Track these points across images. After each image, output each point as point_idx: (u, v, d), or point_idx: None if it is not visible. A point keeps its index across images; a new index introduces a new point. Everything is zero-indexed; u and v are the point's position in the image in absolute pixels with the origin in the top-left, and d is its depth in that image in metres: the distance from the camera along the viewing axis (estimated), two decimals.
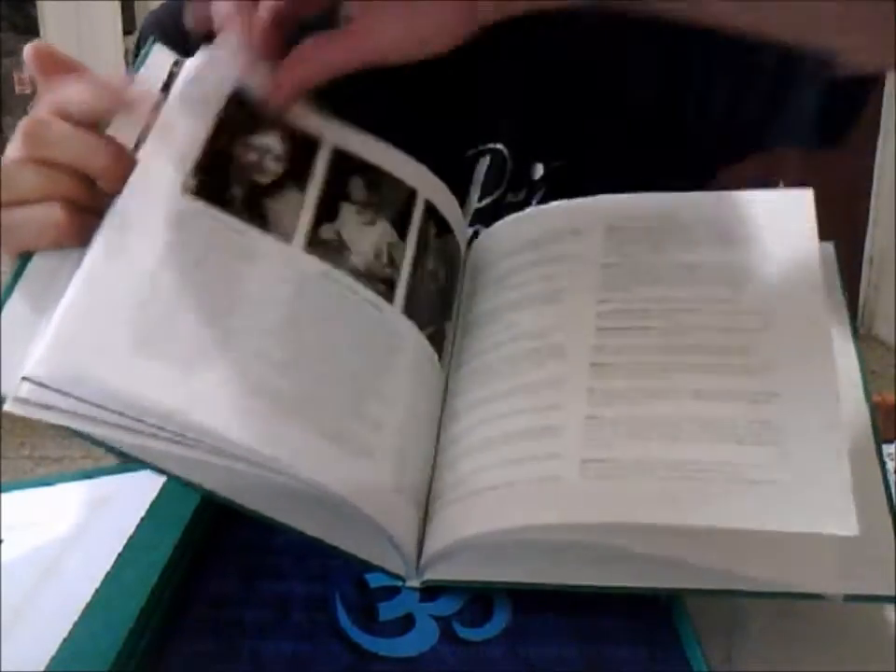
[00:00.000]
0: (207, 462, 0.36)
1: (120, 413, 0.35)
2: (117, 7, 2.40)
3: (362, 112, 0.48)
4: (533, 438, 0.40)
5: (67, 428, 0.36)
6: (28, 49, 0.41)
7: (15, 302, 0.37)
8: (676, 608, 0.40)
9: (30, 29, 2.50)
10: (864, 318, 2.71)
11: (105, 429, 0.36)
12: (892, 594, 0.37)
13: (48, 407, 0.35)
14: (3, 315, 0.37)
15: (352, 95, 0.49)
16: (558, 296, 0.46)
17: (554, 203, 0.51)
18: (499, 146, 0.62)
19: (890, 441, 0.55)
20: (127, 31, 2.43)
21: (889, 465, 0.52)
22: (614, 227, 0.47)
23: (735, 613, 0.42)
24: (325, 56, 0.44)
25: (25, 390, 0.34)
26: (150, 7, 0.68)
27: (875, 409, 0.41)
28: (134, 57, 0.64)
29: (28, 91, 2.69)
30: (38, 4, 2.41)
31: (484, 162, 0.62)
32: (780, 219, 0.44)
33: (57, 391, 0.34)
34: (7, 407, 0.34)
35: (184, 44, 0.60)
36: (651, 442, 0.38)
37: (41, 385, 0.34)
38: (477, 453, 0.41)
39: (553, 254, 0.48)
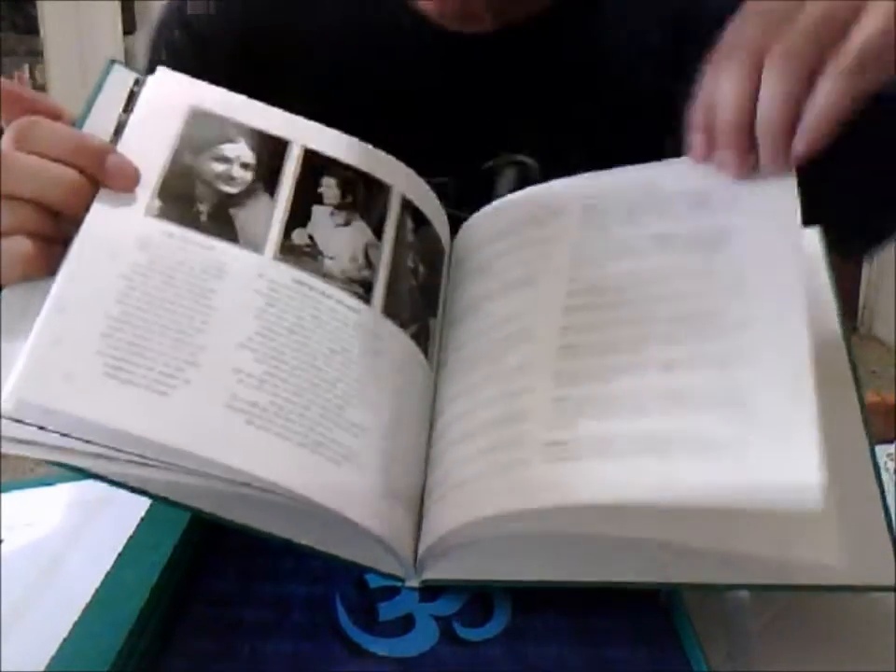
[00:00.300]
0: (189, 483, 0.36)
1: (95, 443, 0.35)
2: (117, 6, 2.40)
3: (377, 124, 0.48)
4: (501, 425, 0.40)
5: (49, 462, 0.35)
6: None
7: None
8: (676, 608, 0.40)
9: (30, 29, 2.51)
10: (864, 318, 2.71)
11: (82, 459, 0.36)
12: (891, 584, 0.37)
13: (21, 441, 0.35)
14: None
15: (370, 107, 0.49)
16: (532, 280, 0.45)
17: (536, 187, 0.51)
18: (526, 158, 0.62)
19: (890, 441, 0.55)
20: (127, 31, 2.43)
21: (890, 465, 0.53)
22: (592, 204, 0.47)
23: (736, 613, 0.42)
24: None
25: None
26: (150, 7, 0.68)
27: (863, 399, 0.41)
28: (151, 51, 0.64)
29: None
30: (38, 4, 2.41)
31: (510, 174, 0.62)
32: (761, 183, 0.43)
33: (29, 425, 0.34)
34: None
35: (208, 57, 0.59)
36: (615, 420, 0.37)
37: (11, 419, 0.34)
38: (457, 446, 0.41)
39: (530, 238, 0.48)
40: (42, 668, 0.34)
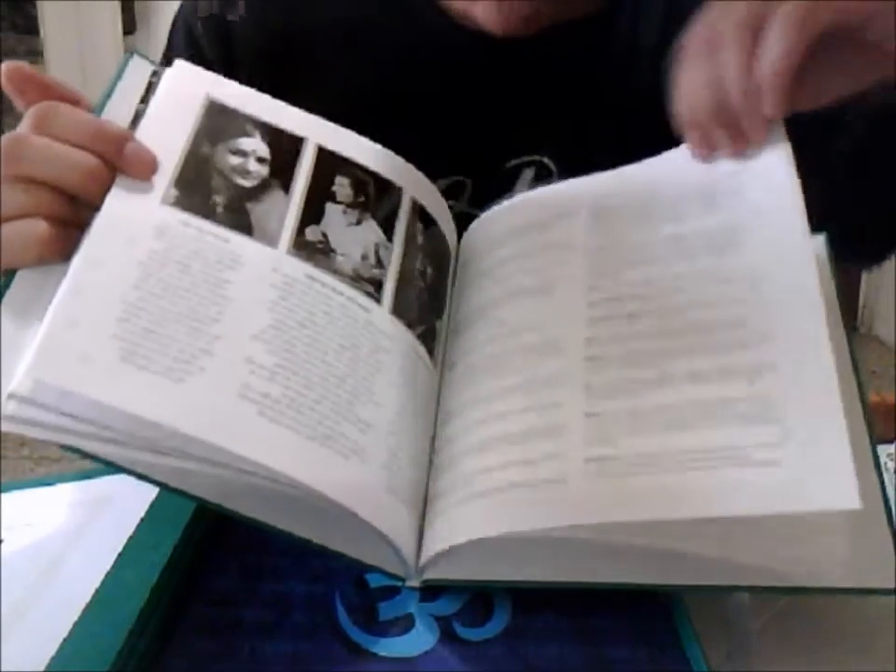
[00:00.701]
0: (198, 471, 0.36)
1: (108, 427, 0.35)
2: (117, 6, 2.40)
3: (399, 123, 0.48)
4: (535, 438, 0.40)
5: (62, 446, 0.35)
6: (3, 70, 0.40)
7: (0, 319, 0.37)
8: (676, 608, 0.40)
9: (30, 29, 2.50)
10: (864, 318, 2.70)
11: (94, 443, 0.36)
12: (892, 586, 0.37)
13: (35, 423, 0.35)
14: None
15: (388, 106, 0.49)
16: (548, 288, 0.45)
17: (540, 189, 0.51)
18: (544, 158, 0.62)
19: (890, 441, 0.55)
20: (127, 31, 2.43)
21: (890, 465, 0.53)
22: (600, 207, 0.47)
23: (736, 613, 0.42)
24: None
25: (11, 408, 0.34)
26: (151, 8, 0.67)
27: (867, 402, 0.41)
28: (168, 47, 0.64)
29: None
30: (38, 4, 2.41)
31: (528, 174, 0.62)
32: (765, 177, 0.43)
33: (43, 406, 0.34)
34: None
35: (232, 50, 0.59)
36: (653, 434, 0.38)
37: (27, 401, 0.34)
38: (478, 453, 0.41)
39: (537, 243, 0.48)
40: (42, 668, 0.34)
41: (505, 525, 0.38)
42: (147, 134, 0.42)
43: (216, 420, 0.36)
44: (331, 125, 0.47)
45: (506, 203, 0.52)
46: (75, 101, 0.41)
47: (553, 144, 0.62)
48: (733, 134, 0.42)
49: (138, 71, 0.45)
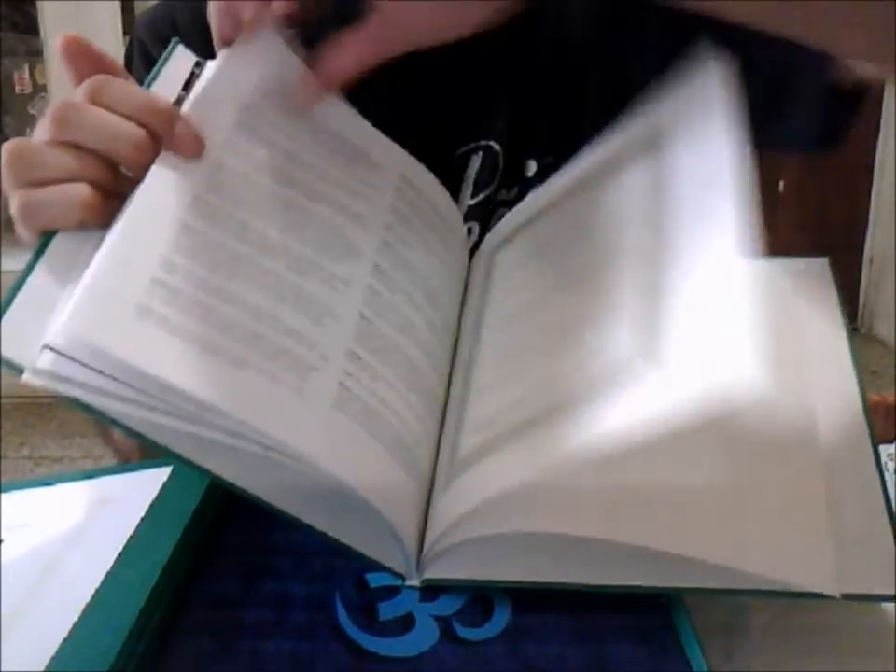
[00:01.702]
0: (219, 446, 0.37)
1: (138, 389, 0.35)
2: (117, 6, 2.40)
3: (356, 105, 0.49)
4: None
5: (84, 407, 0.35)
6: (61, 40, 0.42)
7: (37, 278, 0.38)
8: (676, 608, 0.40)
9: (30, 29, 2.51)
10: (864, 318, 2.71)
11: (120, 405, 0.36)
12: (892, 592, 0.37)
13: (65, 379, 0.35)
14: (25, 289, 0.37)
15: (347, 94, 0.50)
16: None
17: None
18: (491, 142, 0.63)
19: (890, 442, 0.55)
20: (127, 31, 2.43)
21: (890, 465, 0.52)
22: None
23: (735, 613, 0.42)
24: (357, 49, 0.45)
25: (45, 360, 0.35)
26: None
27: (869, 410, 0.41)
28: (126, 61, 0.65)
29: (28, 91, 2.69)
30: (38, 4, 2.41)
31: (477, 159, 0.63)
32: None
33: (76, 361, 0.35)
34: (25, 377, 0.35)
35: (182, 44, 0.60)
36: None
37: (61, 353, 0.34)
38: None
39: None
40: (42, 668, 0.34)
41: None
42: (189, 117, 0.42)
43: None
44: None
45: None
46: (125, 78, 0.43)
47: (498, 127, 0.62)
48: None
49: (182, 60, 0.46)
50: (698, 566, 0.37)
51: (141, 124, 0.40)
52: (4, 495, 0.47)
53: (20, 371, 0.35)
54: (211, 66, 0.46)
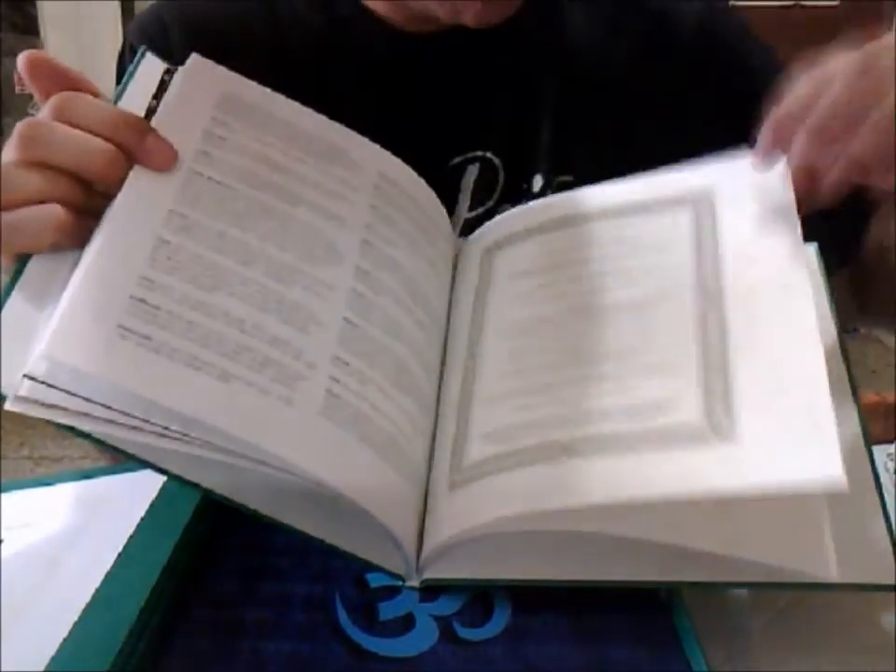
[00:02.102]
0: (209, 460, 0.36)
1: (123, 412, 0.35)
2: (117, 7, 2.40)
3: (346, 116, 0.48)
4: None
5: (70, 428, 0.36)
6: (22, 58, 0.41)
7: (14, 303, 0.37)
8: (676, 607, 0.40)
9: (30, 29, 2.50)
10: None
11: (107, 427, 0.36)
12: (892, 582, 0.37)
13: (48, 405, 0.35)
14: (3, 315, 0.37)
15: (338, 98, 0.49)
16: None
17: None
18: (489, 154, 0.62)
19: (890, 442, 0.55)
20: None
21: (890, 465, 0.52)
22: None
23: (736, 614, 0.42)
24: None
25: (26, 388, 0.34)
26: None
27: (860, 404, 0.41)
28: (119, 63, 0.65)
29: (28, 92, 2.69)
30: (38, 4, 2.41)
31: (473, 170, 0.62)
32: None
33: (57, 388, 0.34)
34: (7, 406, 0.35)
35: (169, 50, 0.60)
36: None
37: (41, 382, 0.34)
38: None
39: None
40: (42, 668, 0.34)
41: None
42: (160, 129, 0.42)
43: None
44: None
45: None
46: (93, 93, 0.42)
47: (497, 140, 0.62)
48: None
49: (151, 68, 0.45)
50: (696, 557, 0.37)
51: (111, 139, 0.39)
52: (4, 495, 0.47)
53: (2, 398, 0.35)
54: (180, 73, 0.45)
